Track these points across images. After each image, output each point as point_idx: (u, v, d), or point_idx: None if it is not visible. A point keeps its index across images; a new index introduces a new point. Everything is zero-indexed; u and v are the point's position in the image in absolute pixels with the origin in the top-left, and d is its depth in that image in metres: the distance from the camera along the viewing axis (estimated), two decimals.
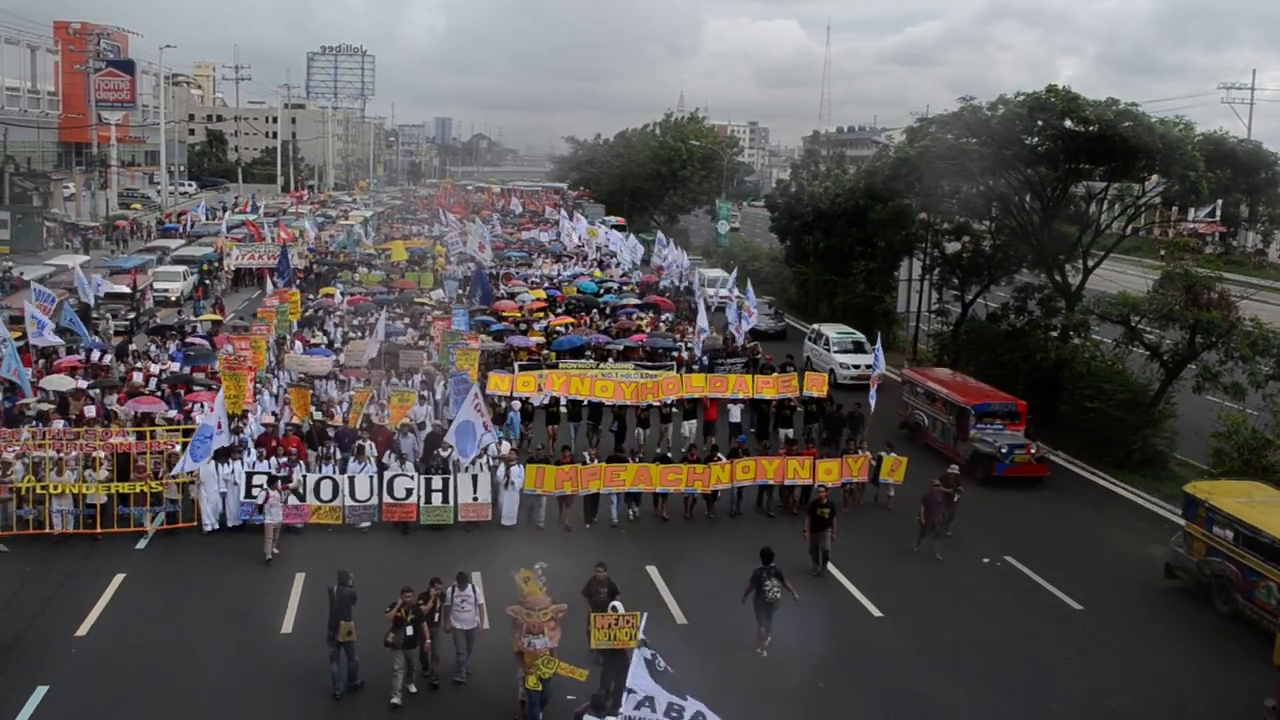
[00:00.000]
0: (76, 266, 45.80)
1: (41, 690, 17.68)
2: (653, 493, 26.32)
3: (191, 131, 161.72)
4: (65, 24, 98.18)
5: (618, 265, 62.27)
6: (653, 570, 23.36)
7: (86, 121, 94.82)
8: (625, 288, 54.02)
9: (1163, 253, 33.55)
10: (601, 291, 51.62)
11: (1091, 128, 34.29)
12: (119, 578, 21.98)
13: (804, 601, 22.41)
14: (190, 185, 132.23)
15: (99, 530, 23.94)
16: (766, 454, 28.17)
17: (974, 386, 33.75)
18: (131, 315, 45.77)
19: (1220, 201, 43.80)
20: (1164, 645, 21.15)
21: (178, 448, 24.90)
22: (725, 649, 19.87)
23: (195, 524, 24.39)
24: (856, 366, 40.73)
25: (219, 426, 24.73)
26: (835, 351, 42.16)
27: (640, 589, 22.09)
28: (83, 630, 19.81)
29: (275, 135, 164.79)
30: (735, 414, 32.57)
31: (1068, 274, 38.34)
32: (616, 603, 17.91)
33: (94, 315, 42.74)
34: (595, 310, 46.82)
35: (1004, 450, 29.87)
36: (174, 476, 24.45)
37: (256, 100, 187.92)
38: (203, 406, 28.39)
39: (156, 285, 52.77)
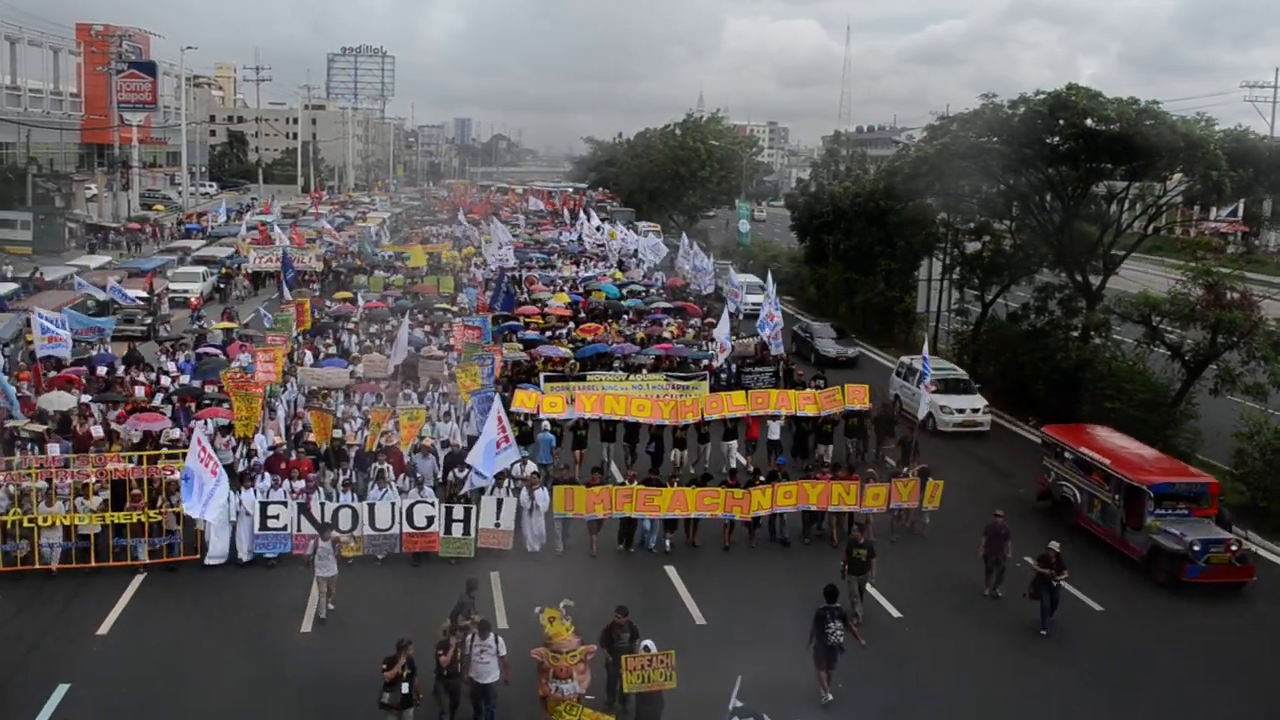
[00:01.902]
0: (82, 281, 42.84)
1: (63, 688, 17.82)
2: (688, 519, 24.67)
3: (213, 133, 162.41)
4: (87, 26, 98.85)
5: (639, 265, 61.86)
6: (671, 570, 23.35)
7: (108, 123, 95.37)
8: (651, 290, 52.95)
9: (1195, 259, 32.79)
10: (625, 295, 50.55)
11: (1113, 126, 34.14)
12: (139, 579, 22.00)
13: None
14: (211, 186, 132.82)
15: (93, 564, 22.20)
16: (808, 475, 26.03)
17: (1147, 457, 26.40)
18: (148, 320, 44.41)
19: (1243, 200, 43.59)
20: (1186, 647, 21.05)
21: (176, 474, 22.51)
22: (744, 649, 19.85)
23: (199, 556, 22.63)
24: (961, 411, 35.15)
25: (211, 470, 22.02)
26: (934, 392, 35.04)
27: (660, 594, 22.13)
28: (103, 629, 19.94)
29: (296, 136, 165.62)
30: (775, 431, 30.59)
31: (1088, 273, 38.19)
32: (649, 641, 16.63)
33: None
34: (622, 316, 45.26)
35: (1196, 548, 23.18)
36: (173, 506, 22.54)
37: (277, 101, 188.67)
38: (206, 423, 26.47)
39: (175, 286, 51.79)
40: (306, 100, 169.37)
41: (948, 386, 35.91)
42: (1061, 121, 35.37)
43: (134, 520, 22.29)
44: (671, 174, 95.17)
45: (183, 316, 47.29)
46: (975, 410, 35.40)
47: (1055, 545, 21.44)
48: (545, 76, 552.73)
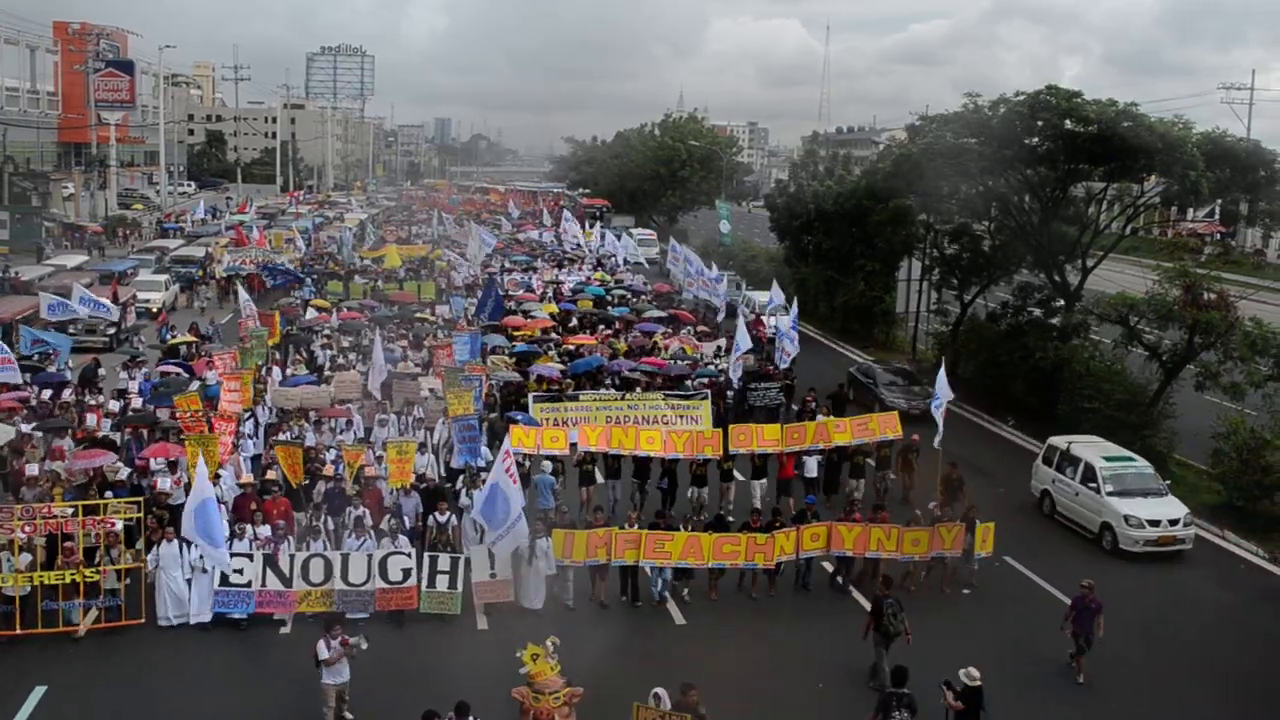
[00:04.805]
0: (42, 296, 38.91)
1: (40, 690, 17.70)
2: (706, 568, 21.99)
3: (191, 132, 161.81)
4: (65, 24, 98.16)
5: (624, 266, 61.19)
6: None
7: (86, 122, 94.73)
8: (641, 297, 50.80)
9: (1174, 259, 32.74)
10: (614, 300, 48.91)
11: (1091, 128, 34.30)
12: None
13: (804, 604, 22.17)
14: (189, 185, 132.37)
15: (19, 631, 19.22)
16: (846, 516, 23.21)
17: None
18: (111, 331, 41.23)
19: (1219, 201, 43.82)
20: (1168, 646, 21.14)
21: (119, 524, 19.89)
22: (724, 650, 19.87)
23: (143, 620, 19.88)
24: (1154, 523, 25.44)
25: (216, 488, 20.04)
26: (1111, 494, 26.13)
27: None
28: (81, 631, 19.70)
29: (274, 135, 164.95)
30: (812, 468, 27.45)
31: (1067, 274, 38.36)
32: (659, 689, 15.02)
33: (70, 330, 38.36)
34: (601, 326, 42.43)
35: None
36: (114, 562, 19.78)
37: (256, 100, 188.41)
38: (173, 467, 23.14)
39: (139, 295, 47.83)
40: (285, 99, 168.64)
41: (1130, 486, 26.39)
42: (1040, 122, 35.53)
43: (67, 580, 19.36)
44: (651, 174, 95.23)
45: (153, 327, 43.05)
46: (1174, 522, 25.67)
47: (973, 674, 16.42)
48: (526, 75, 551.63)
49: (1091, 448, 27.87)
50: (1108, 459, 27.06)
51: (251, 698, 17.96)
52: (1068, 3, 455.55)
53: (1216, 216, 75.98)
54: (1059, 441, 28.52)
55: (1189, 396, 32.47)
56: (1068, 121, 34.91)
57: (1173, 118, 35.10)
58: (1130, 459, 27.39)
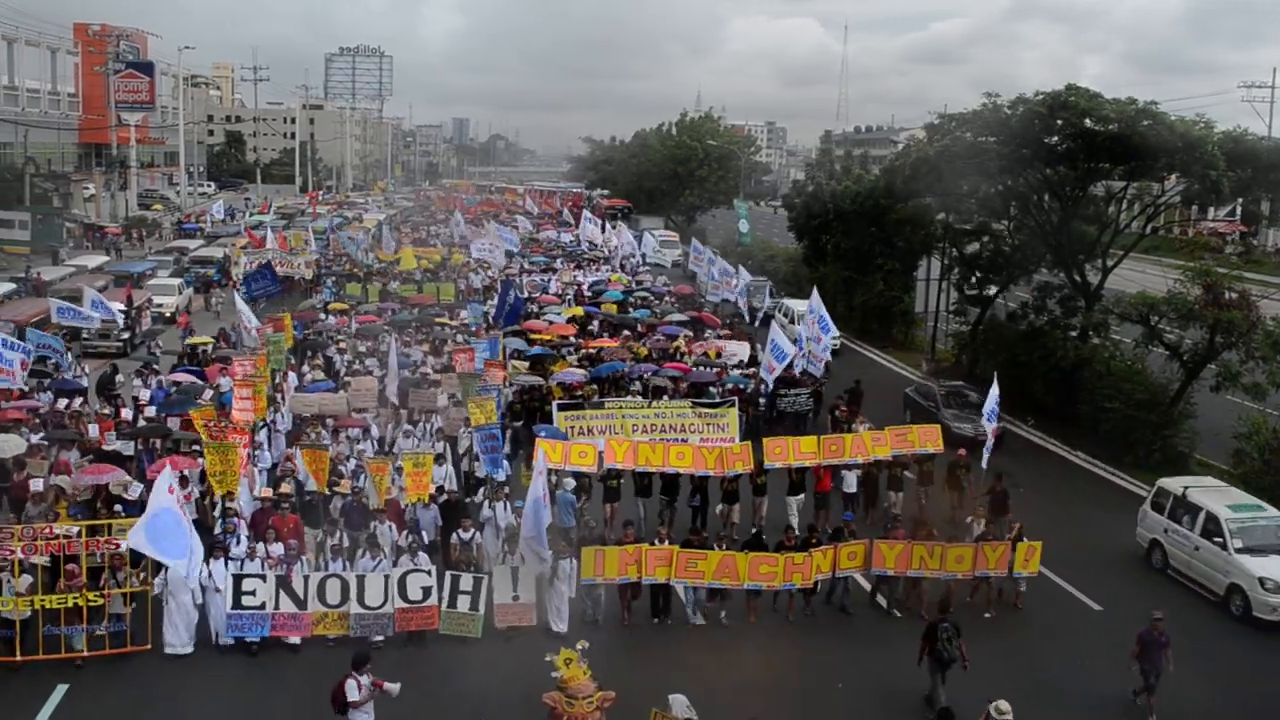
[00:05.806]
0: (51, 300, 37.56)
1: (62, 689, 17.80)
2: (742, 589, 21.18)
3: (210, 132, 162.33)
4: (85, 26, 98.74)
5: (644, 266, 60.86)
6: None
7: (106, 123, 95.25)
8: (664, 299, 49.76)
9: (1195, 258, 32.43)
10: (636, 303, 47.73)
11: (1111, 127, 34.17)
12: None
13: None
14: (209, 186, 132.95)
15: (19, 658, 18.31)
16: (887, 534, 22.08)
17: None
18: (125, 336, 40.30)
19: (1240, 200, 43.62)
20: (1182, 646, 21.03)
21: (124, 545, 18.56)
22: (741, 650, 19.86)
23: (149, 647, 18.91)
24: None
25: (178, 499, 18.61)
26: (1240, 550, 22.60)
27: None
28: (101, 630, 19.64)
29: (294, 136, 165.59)
30: (851, 483, 26.25)
31: (1087, 273, 38.21)
32: (678, 695, 14.97)
33: (84, 335, 38.49)
34: (630, 329, 40.89)
35: None
36: (120, 586, 18.79)
37: (275, 101, 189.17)
38: (184, 481, 21.54)
39: (152, 300, 46.55)
40: (304, 100, 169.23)
41: (1262, 541, 22.83)
42: (1060, 121, 35.40)
43: (69, 604, 18.36)
44: (670, 174, 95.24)
45: (172, 331, 42.10)
46: None
47: (1003, 707, 15.22)
48: (543, 75, 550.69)
49: (1214, 494, 24.40)
50: (1234, 508, 23.49)
51: None
52: (1087, 1, 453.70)
53: (1237, 215, 75.75)
54: (1172, 485, 25.01)
55: (1210, 396, 32.31)
56: (1088, 120, 34.78)
57: (1193, 116, 35.03)
58: (1259, 508, 23.80)
